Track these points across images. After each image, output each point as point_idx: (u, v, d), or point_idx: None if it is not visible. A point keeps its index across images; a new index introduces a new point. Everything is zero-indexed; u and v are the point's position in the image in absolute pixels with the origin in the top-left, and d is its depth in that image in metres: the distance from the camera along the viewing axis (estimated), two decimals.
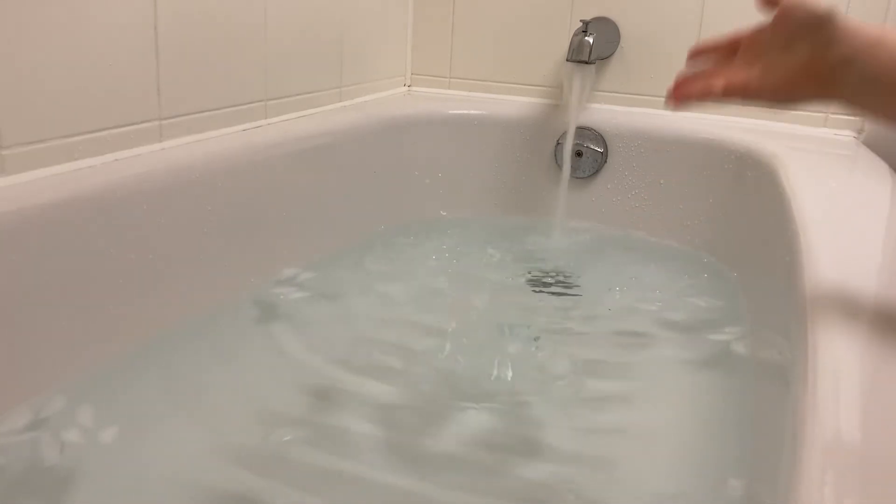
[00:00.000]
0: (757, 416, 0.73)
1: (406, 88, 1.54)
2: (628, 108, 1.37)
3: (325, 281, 1.09)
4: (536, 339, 0.99)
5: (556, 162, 1.37)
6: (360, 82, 1.35)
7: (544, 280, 1.17)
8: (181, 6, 0.91)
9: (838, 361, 0.47)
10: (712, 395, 0.86)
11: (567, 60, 1.29)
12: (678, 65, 0.63)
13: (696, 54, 0.63)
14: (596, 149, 1.33)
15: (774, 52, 0.56)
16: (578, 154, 1.34)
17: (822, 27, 0.51)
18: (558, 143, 1.36)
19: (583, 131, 1.34)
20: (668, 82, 0.62)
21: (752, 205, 1.13)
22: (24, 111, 0.75)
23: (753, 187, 1.15)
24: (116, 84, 0.84)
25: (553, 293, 1.13)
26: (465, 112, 1.40)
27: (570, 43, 1.28)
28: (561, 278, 1.18)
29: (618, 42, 1.36)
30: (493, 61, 1.47)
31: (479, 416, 0.80)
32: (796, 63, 0.53)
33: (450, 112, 1.40)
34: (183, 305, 0.91)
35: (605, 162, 1.34)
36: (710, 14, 1.30)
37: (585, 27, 1.29)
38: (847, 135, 1.25)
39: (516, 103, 1.42)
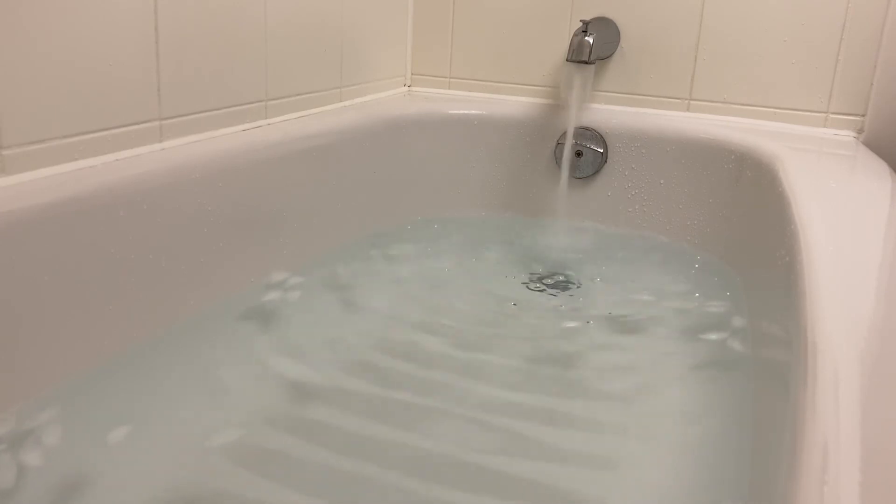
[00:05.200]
0: (756, 416, 0.73)
1: (406, 88, 1.54)
2: (628, 108, 1.37)
3: (324, 280, 1.09)
4: (534, 337, 0.99)
5: (556, 162, 1.37)
6: (360, 82, 1.35)
7: (543, 279, 1.17)
8: (181, 6, 0.91)
9: (838, 361, 0.47)
10: (711, 395, 0.86)
11: (567, 60, 1.29)
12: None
13: None
14: (596, 149, 1.33)
15: None
16: (578, 154, 1.34)
17: None
18: (558, 143, 1.36)
19: (583, 131, 1.34)
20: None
21: (752, 205, 1.13)
22: (24, 111, 0.75)
23: (753, 187, 1.15)
24: (116, 84, 0.84)
25: (552, 292, 1.13)
26: (465, 112, 1.40)
27: (570, 43, 1.28)
28: (560, 278, 1.19)
29: (618, 42, 1.36)
30: (493, 61, 1.47)
31: (474, 412, 0.80)
32: None
33: (450, 112, 1.39)
34: (183, 306, 0.91)
35: (605, 162, 1.34)
36: (710, 14, 1.30)
37: (585, 27, 1.29)
38: (847, 135, 1.25)
39: (516, 103, 1.42)
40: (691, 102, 1.34)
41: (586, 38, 1.26)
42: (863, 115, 1.24)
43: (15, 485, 0.64)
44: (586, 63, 1.28)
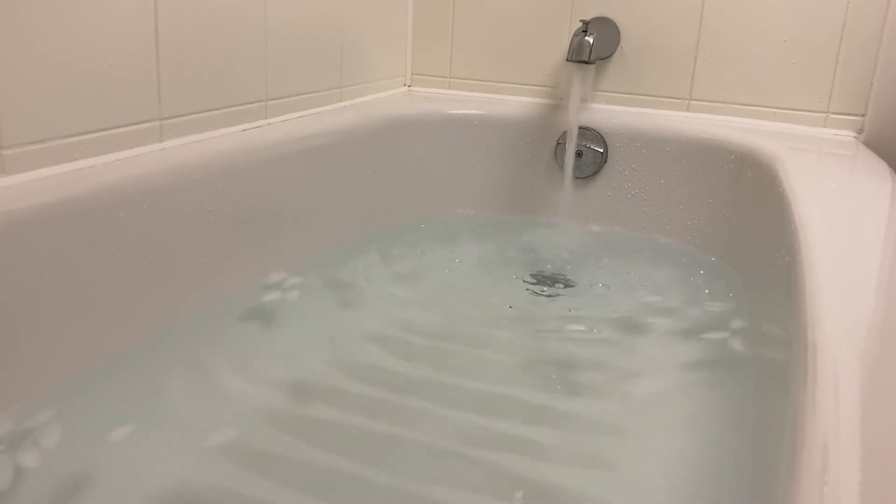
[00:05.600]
0: (757, 416, 0.73)
1: (406, 88, 1.54)
2: (628, 108, 1.37)
3: (324, 280, 1.09)
4: (534, 337, 0.99)
5: (557, 162, 1.37)
6: (360, 82, 1.35)
7: (544, 279, 1.17)
8: (181, 6, 0.91)
9: (838, 361, 0.47)
10: (711, 394, 0.86)
11: (567, 60, 1.29)
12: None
13: None
14: (596, 149, 1.33)
15: None
16: (578, 154, 1.34)
17: None
18: (558, 143, 1.36)
19: (583, 131, 1.34)
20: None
21: (752, 205, 1.13)
22: (24, 111, 0.75)
23: (753, 187, 1.15)
24: (116, 84, 0.84)
25: (552, 292, 1.13)
26: (465, 112, 1.40)
27: (570, 43, 1.28)
28: (560, 278, 1.19)
29: (618, 42, 1.36)
30: (493, 61, 1.47)
31: (473, 413, 0.80)
32: None
33: (450, 112, 1.39)
34: (183, 306, 0.91)
35: (605, 162, 1.34)
36: (710, 14, 1.30)
37: (585, 27, 1.29)
38: (847, 135, 1.25)
39: (516, 103, 1.42)
40: (691, 102, 1.34)
41: (586, 38, 1.26)
42: (863, 115, 1.24)
43: (13, 485, 0.64)
44: (586, 63, 1.28)
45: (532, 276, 1.19)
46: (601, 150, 1.33)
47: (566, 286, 1.16)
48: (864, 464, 0.37)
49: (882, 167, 1.04)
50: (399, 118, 1.32)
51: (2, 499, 0.63)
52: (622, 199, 1.34)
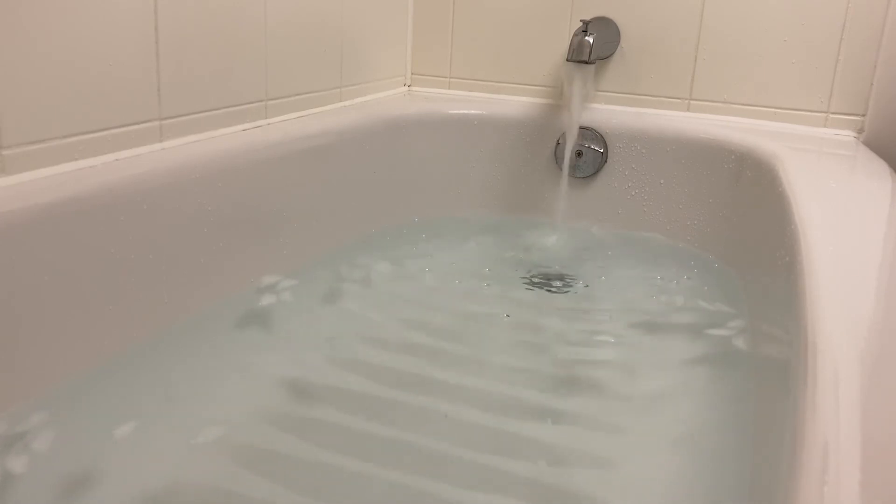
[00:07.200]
0: (757, 416, 0.73)
1: (406, 88, 1.54)
2: (628, 108, 1.37)
3: (324, 280, 1.09)
4: (534, 337, 0.99)
5: (556, 162, 1.37)
6: (360, 82, 1.35)
7: (543, 279, 1.17)
8: (181, 6, 0.91)
9: (838, 361, 0.47)
10: (711, 394, 0.86)
11: (567, 60, 1.29)
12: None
13: None
14: (596, 149, 1.33)
15: None
16: (578, 154, 1.34)
17: None
18: (558, 143, 1.36)
19: (583, 131, 1.34)
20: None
21: (752, 205, 1.13)
22: (24, 111, 0.75)
23: (753, 187, 1.15)
24: (116, 84, 0.84)
25: (552, 292, 1.13)
26: (465, 112, 1.40)
27: (570, 43, 1.28)
28: (560, 277, 1.19)
29: (618, 42, 1.36)
30: (493, 61, 1.47)
31: (473, 413, 0.80)
32: None
33: (450, 112, 1.39)
34: (182, 306, 0.91)
35: (605, 162, 1.34)
36: (710, 14, 1.30)
37: (585, 27, 1.29)
38: (847, 135, 1.25)
39: (516, 103, 1.42)
40: (691, 102, 1.34)
41: (586, 37, 1.26)
42: (863, 115, 1.24)
43: (12, 484, 0.64)
44: (586, 63, 1.28)
45: (532, 275, 1.19)
46: (601, 150, 1.33)
47: (566, 286, 1.16)
48: (864, 464, 0.37)
49: (882, 167, 1.04)
50: (399, 118, 1.32)
51: (1, 495, 0.63)
52: (622, 199, 1.34)
